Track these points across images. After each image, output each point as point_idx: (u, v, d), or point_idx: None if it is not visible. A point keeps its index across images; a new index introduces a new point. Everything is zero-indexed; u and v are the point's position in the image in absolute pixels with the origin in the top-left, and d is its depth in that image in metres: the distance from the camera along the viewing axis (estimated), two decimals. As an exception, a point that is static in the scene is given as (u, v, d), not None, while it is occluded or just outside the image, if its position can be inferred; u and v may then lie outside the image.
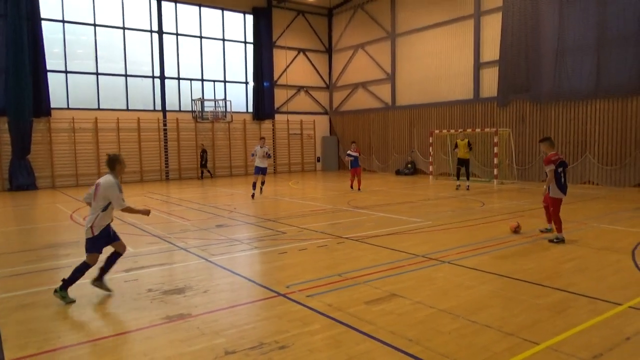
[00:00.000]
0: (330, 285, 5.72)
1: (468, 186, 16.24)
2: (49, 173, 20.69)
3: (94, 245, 5.51)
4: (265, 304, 5.24)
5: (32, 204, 15.40)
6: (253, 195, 14.85)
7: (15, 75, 19.15)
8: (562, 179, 7.81)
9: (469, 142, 16.26)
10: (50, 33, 20.65)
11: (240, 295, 5.57)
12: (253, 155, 15.23)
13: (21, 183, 19.51)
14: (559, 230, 7.79)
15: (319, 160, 29.33)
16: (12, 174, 19.49)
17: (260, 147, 15.11)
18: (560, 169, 7.79)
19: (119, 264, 6.96)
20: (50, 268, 7.04)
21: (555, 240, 7.77)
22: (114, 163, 5.58)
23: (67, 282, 5.42)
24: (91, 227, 5.45)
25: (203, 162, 23.76)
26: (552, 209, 7.89)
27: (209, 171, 24.08)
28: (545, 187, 7.95)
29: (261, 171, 15.11)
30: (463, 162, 16.25)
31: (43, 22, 20.25)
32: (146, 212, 5.75)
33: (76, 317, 4.96)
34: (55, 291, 5.41)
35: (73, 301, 5.39)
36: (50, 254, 7.92)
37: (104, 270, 5.66)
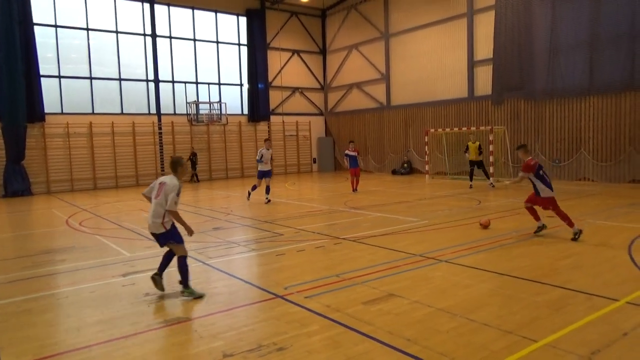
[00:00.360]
0: (328, 286, 5.72)
1: (492, 184, 16.18)
2: (44, 178, 20.60)
3: (172, 237, 5.69)
4: (263, 305, 5.23)
5: (27, 210, 15.33)
6: (249, 198, 14.36)
7: (8, 81, 19.06)
8: (546, 178, 8.04)
9: (479, 145, 16.27)
10: (42, 38, 20.57)
11: (238, 298, 5.55)
12: (260, 160, 14.08)
13: (16, 189, 19.40)
14: (571, 224, 7.81)
15: (315, 162, 29.33)
16: (6, 180, 19.39)
17: (267, 149, 14.16)
18: (541, 171, 8.04)
19: (116, 269, 6.96)
20: (47, 274, 7.00)
21: (576, 236, 7.72)
22: (175, 166, 5.82)
23: (185, 281, 5.59)
24: (162, 223, 5.59)
25: (192, 166, 23.33)
26: (552, 209, 8.01)
27: (195, 175, 23.70)
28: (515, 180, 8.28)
29: (266, 174, 14.09)
30: (474, 164, 16.22)
31: (35, 27, 20.17)
32: (190, 231, 5.82)
33: (73, 323, 4.93)
34: (182, 292, 5.56)
35: (202, 295, 5.53)
36: (46, 259, 7.87)
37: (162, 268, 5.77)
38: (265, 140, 14.80)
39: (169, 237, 5.68)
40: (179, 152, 23.86)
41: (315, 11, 28.70)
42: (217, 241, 8.64)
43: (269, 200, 13.94)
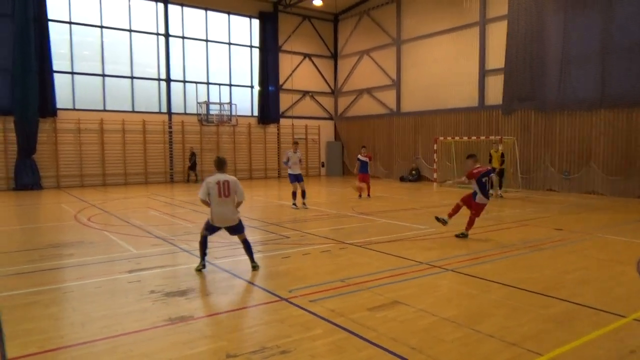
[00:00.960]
0: (333, 291, 5.71)
1: (501, 195, 16.06)
2: (54, 173, 20.79)
3: (243, 226, 6.80)
4: (267, 308, 5.23)
5: (36, 204, 15.46)
6: (295, 205, 13.43)
7: (22, 76, 19.30)
8: (486, 187, 8.77)
9: (502, 154, 16.19)
10: (57, 34, 20.80)
11: (242, 299, 5.56)
12: (286, 162, 13.58)
13: (26, 182, 19.60)
14: (468, 228, 8.88)
15: (323, 165, 29.34)
16: (17, 173, 19.60)
17: (294, 152, 13.57)
18: (484, 179, 8.75)
19: (122, 265, 7.00)
20: (54, 268, 7.06)
21: (461, 235, 8.85)
22: (223, 164, 6.70)
23: (253, 256, 6.73)
24: (238, 216, 6.68)
25: (191, 165, 23.33)
26: (475, 213, 8.84)
27: (195, 174, 23.44)
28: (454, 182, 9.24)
29: (297, 178, 13.42)
30: (496, 172, 16.06)
31: (50, 23, 20.39)
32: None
33: (78, 318, 4.95)
34: (255, 267, 6.66)
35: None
36: (53, 253, 7.93)
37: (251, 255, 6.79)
38: (294, 142, 14.34)
39: (242, 226, 6.73)
40: (189, 152, 23.99)
41: (328, 15, 28.80)
42: (223, 242, 8.63)
43: (305, 205, 13.32)
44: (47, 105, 20.18)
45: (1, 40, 19.20)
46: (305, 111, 28.57)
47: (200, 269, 6.66)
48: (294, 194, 13.51)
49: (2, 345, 4.25)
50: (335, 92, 29.59)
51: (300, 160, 13.67)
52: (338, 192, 18.72)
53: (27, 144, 19.65)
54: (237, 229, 6.69)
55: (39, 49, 19.90)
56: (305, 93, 28.49)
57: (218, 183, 6.45)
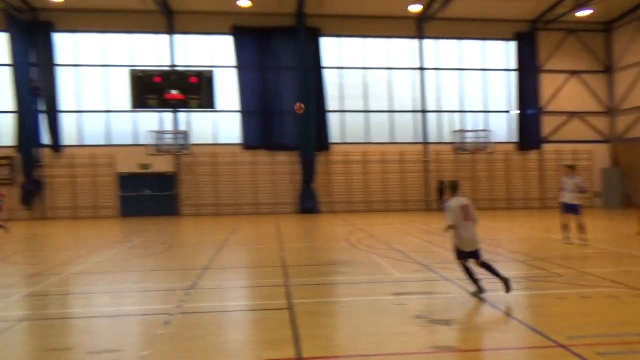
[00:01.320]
0: (625, 346, 4.77)
1: None
2: (328, 199, 23.88)
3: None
4: (542, 353, 4.72)
5: (315, 226, 18.02)
6: (568, 239, 11.57)
7: (304, 117, 22.96)
8: None
9: None
10: (329, 78, 24.07)
11: (512, 338, 5.17)
12: (564, 190, 11.89)
13: (307, 207, 23.19)
14: None
15: (598, 196, 25.28)
16: (301, 199, 23.39)
17: (570, 178, 11.72)
18: None
19: (387, 287, 7.44)
20: (331, 283, 8.03)
21: None
22: (459, 187, 6.91)
23: (497, 274, 6.50)
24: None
25: (440, 195, 23.39)
26: None
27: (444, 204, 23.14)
28: None
29: (570, 209, 11.58)
30: None
31: (324, 70, 23.70)
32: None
33: (351, 331, 5.43)
34: (509, 287, 6.41)
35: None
36: (330, 270, 9.03)
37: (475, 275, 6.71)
38: (568, 167, 12.26)
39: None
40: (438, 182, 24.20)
41: (597, 26, 25.19)
42: (485, 273, 8.26)
43: (585, 242, 11.25)
44: (322, 140, 23.56)
45: (290, 88, 23.40)
46: (573, 135, 25.37)
47: (477, 293, 6.59)
48: (564, 227, 11.77)
49: (298, 344, 5.00)
50: (611, 111, 25.40)
51: (580, 189, 11.53)
52: (618, 227, 15.78)
53: (308, 175, 23.28)
54: (479, 253, 6.62)
55: (316, 93, 23.44)
56: (572, 114, 25.36)
57: (462, 207, 6.54)
